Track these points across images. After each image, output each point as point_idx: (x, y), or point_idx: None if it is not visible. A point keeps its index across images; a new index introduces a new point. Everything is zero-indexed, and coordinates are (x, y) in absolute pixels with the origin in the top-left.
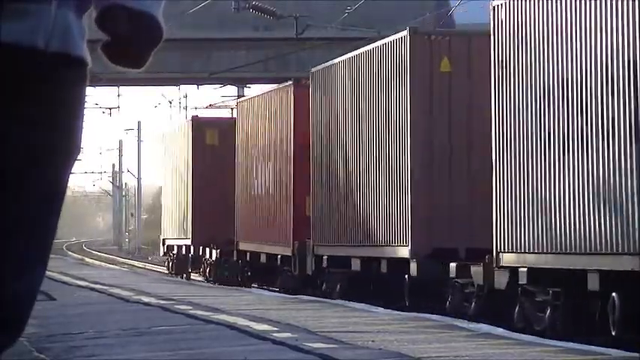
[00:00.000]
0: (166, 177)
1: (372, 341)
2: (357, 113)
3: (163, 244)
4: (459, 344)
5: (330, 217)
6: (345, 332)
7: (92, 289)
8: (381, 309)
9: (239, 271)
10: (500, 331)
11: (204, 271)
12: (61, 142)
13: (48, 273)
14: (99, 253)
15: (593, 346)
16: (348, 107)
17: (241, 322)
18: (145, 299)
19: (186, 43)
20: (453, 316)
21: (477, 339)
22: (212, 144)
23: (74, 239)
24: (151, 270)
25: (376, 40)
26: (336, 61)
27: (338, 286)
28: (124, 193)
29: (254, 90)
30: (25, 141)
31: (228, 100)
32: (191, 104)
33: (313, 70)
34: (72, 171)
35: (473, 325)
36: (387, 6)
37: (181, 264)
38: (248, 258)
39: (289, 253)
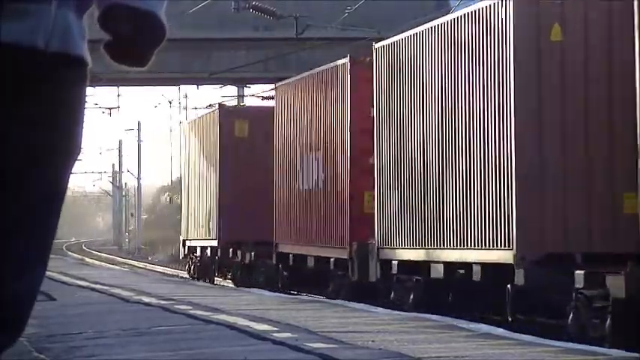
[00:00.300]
0: (188, 173)
1: (372, 341)
2: (439, 92)
3: (184, 246)
4: (459, 344)
5: (401, 214)
6: (345, 332)
7: (92, 289)
8: (380, 309)
9: (279, 276)
10: (500, 331)
11: (234, 275)
12: (61, 142)
13: (48, 273)
14: (99, 253)
15: (593, 346)
16: (427, 86)
17: (241, 322)
18: (146, 299)
19: (186, 43)
20: (573, 338)
21: (477, 339)
22: (242, 135)
23: (74, 239)
24: (151, 270)
25: (377, 41)
26: (410, 32)
27: (411, 295)
28: (124, 193)
29: (254, 89)
30: (25, 141)
31: (228, 100)
32: (191, 104)
33: (378, 45)
34: (72, 171)
35: (473, 325)
36: (387, 6)
37: (205, 267)
38: (291, 261)
39: (345, 256)
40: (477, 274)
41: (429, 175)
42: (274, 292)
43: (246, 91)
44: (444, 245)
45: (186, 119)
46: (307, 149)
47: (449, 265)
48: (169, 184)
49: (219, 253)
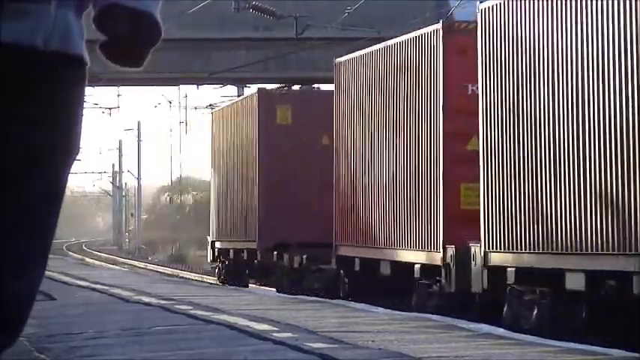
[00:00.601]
0: (219, 166)
1: (372, 341)
2: (578, 57)
3: (212, 248)
4: (460, 344)
5: (519, 210)
6: (345, 332)
7: (92, 289)
8: (381, 309)
9: (340, 283)
10: (500, 331)
11: (279, 281)
12: (61, 142)
13: (48, 273)
14: (99, 253)
15: (593, 346)
16: (561, 51)
17: (241, 322)
18: (146, 299)
19: (186, 43)
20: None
21: (477, 339)
22: (284, 122)
23: (74, 239)
24: (151, 270)
25: (376, 40)
26: None
27: (534, 311)
28: (124, 193)
29: (254, 89)
30: (25, 141)
31: (228, 100)
32: (191, 104)
33: (484, 5)
34: (71, 170)
35: (473, 325)
36: (387, 6)
37: (239, 271)
38: (357, 267)
39: (438, 262)
40: (637, 287)
41: (565, 160)
42: (336, 299)
43: (246, 91)
44: (585, 249)
45: (186, 119)
46: (381, 135)
47: (592, 275)
48: (169, 184)
49: (258, 257)
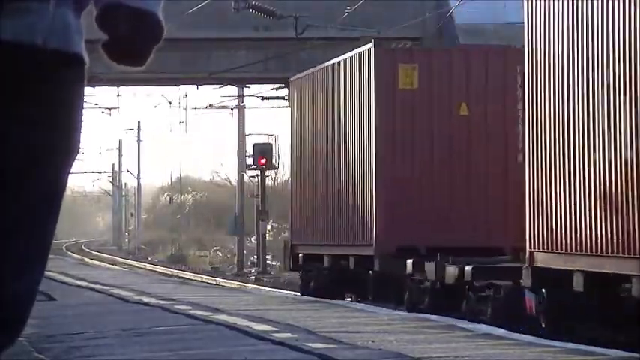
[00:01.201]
0: (303, 148)
1: (372, 341)
2: None
3: (292, 253)
4: (459, 344)
5: None
6: (345, 332)
7: (92, 289)
8: (380, 309)
9: (541, 308)
10: (500, 331)
11: (413, 299)
12: (61, 142)
13: (48, 273)
14: (99, 253)
15: (593, 346)
16: None
17: (241, 322)
18: (145, 299)
19: (186, 43)
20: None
21: (477, 339)
22: (408, 87)
23: (74, 239)
24: (151, 270)
25: (377, 40)
26: None
27: None
28: (123, 193)
29: (254, 89)
30: (25, 141)
31: (228, 100)
32: (191, 104)
33: None
34: (71, 170)
35: (473, 326)
36: (387, 6)
37: (337, 283)
38: (579, 285)
39: None
40: None
41: None
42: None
43: (246, 91)
44: None
45: (186, 119)
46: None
47: None
48: (169, 184)
49: (376, 266)
